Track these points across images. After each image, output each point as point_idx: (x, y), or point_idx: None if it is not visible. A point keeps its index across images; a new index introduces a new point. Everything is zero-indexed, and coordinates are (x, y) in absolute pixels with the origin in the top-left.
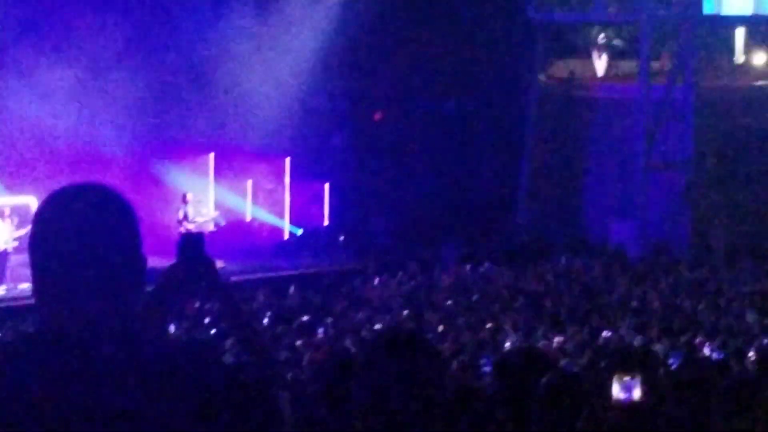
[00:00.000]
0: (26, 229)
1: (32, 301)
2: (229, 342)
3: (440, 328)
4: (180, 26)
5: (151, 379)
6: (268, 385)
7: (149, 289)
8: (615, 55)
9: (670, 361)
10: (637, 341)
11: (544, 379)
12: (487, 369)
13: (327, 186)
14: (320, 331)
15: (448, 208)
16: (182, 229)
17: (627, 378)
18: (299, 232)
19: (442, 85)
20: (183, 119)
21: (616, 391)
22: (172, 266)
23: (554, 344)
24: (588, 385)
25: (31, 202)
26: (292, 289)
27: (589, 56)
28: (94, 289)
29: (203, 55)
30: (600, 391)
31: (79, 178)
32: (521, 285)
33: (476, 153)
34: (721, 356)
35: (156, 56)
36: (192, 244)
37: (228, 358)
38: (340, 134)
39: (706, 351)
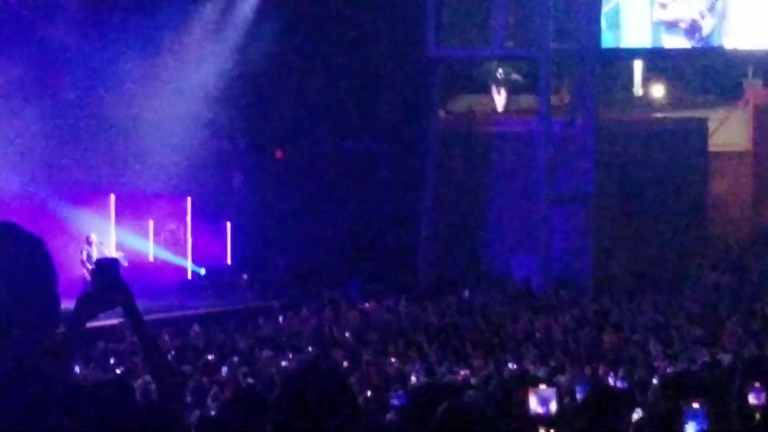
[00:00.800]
0: None
1: None
2: (139, 381)
3: (345, 364)
4: (77, 65)
5: (56, 421)
6: (177, 424)
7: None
8: (514, 89)
9: (576, 390)
10: (542, 372)
11: (439, 409)
12: (395, 403)
13: (229, 225)
14: (224, 369)
15: (351, 245)
16: (85, 271)
17: (543, 388)
18: (202, 271)
19: (343, 123)
20: (82, 160)
21: (534, 405)
22: (87, 293)
23: (460, 378)
24: (487, 412)
25: None
26: (196, 327)
27: (489, 91)
28: (4, 327)
29: (101, 94)
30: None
31: None
32: (425, 320)
33: (378, 189)
34: (626, 386)
35: (53, 95)
36: (106, 269)
37: (138, 399)
38: (240, 173)
39: (611, 381)
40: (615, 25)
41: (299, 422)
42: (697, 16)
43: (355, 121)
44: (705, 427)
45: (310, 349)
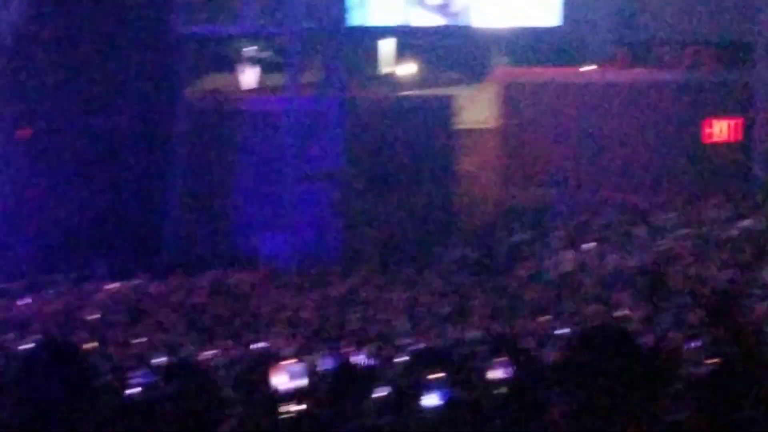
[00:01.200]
0: None
1: None
2: None
3: (89, 345)
4: None
5: None
6: None
7: None
8: (264, 67)
9: (323, 368)
10: (290, 351)
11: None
12: (141, 381)
13: None
14: None
15: (98, 224)
16: None
17: (291, 365)
18: None
19: (91, 100)
20: None
21: (282, 382)
22: None
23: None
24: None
25: None
26: None
27: (238, 69)
28: None
29: None
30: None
31: None
32: (173, 299)
33: (126, 168)
34: (373, 363)
35: None
36: None
37: None
38: None
39: (358, 358)
40: (363, 2)
41: (33, 404)
42: None
43: (102, 99)
44: (447, 398)
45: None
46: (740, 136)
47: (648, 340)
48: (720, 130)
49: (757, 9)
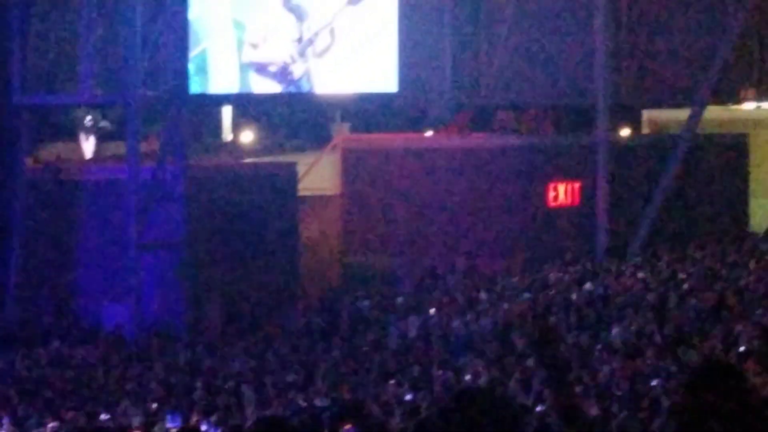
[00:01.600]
0: None
1: None
2: None
3: None
4: None
5: None
6: None
7: None
8: (103, 136)
9: None
10: (137, 420)
11: None
12: None
13: None
14: None
15: None
16: None
17: None
18: None
19: None
20: None
21: None
22: None
23: (48, 431)
24: None
25: None
26: None
27: (77, 138)
28: None
29: None
30: None
31: None
32: (15, 373)
33: None
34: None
35: None
36: None
37: None
38: None
39: (203, 427)
40: (203, 70)
41: None
42: (288, 60)
43: None
44: None
45: None
46: (580, 200)
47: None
48: (562, 193)
49: (596, 74)
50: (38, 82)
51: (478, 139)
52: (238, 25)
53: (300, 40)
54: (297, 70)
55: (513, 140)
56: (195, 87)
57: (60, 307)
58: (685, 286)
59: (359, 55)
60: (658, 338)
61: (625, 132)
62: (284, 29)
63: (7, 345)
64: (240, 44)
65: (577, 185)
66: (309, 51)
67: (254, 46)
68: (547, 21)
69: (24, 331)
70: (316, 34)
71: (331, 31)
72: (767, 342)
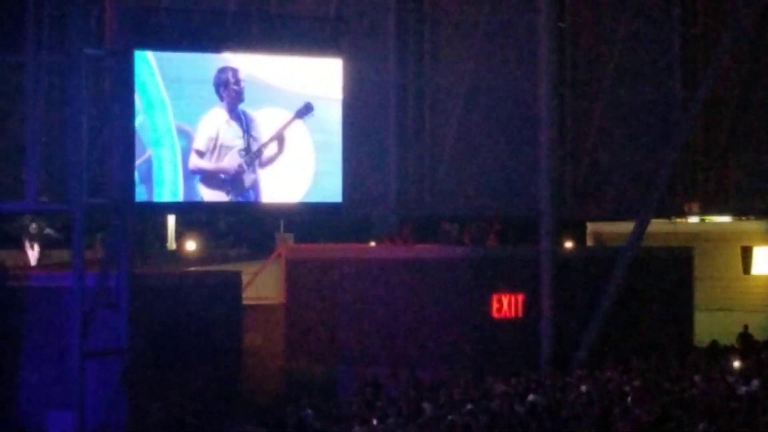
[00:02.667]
0: None
1: None
2: None
3: None
4: None
5: None
6: None
7: None
8: (48, 244)
9: None
10: None
11: None
12: None
13: None
14: None
15: None
16: None
17: None
18: None
19: None
20: None
21: None
22: None
23: None
24: None
25: None
26: None
27: (22, 246)
28: None
29: None
30: None
31: None
32: None
33: None
34: None
35: None
36: None
37: None
38: None
39: None
40: (147, 178)
41: None
42: (235, 170)
43: None
44: None
45: None
46: (524, 311)
47: None
48: (506, 304)
49: (540, 185)
50: None
51: (422, 250)
52: (183, 134)
53: (247, 150)
54: (244, 180)
55: (457, 251)
56: (139, 195)
57: (3, 413)
58: (629, 398)
59: (304, 164)
60: None
61: (569, 244)
62: (231, 139)
63: None
64: (184, 152)
65: (521, 297)
66: (255, 159)
67: (200, 154)
68: (492, 132)
69: None
70: (265, 145)
71: (279, 142)
72: None
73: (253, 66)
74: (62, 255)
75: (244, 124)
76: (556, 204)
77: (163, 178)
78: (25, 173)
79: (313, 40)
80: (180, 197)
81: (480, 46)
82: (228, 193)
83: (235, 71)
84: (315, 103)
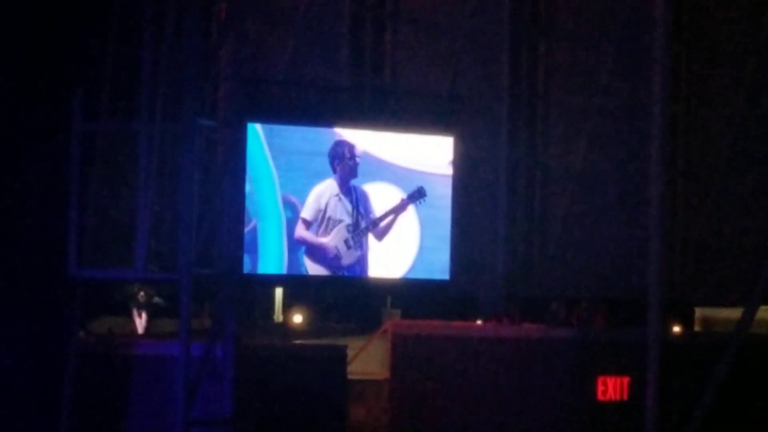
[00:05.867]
0: None
1: None
2: None
3: None
4: None
5: None
6: None
7: None
8: (155, 313)
9: None
10: None
11: None
12: None
13: None
14: None
15: None
16: None
17: None
18: None
19: None
20: None
21: None
22: None
23: None
24: None
25: None
26: None
27: (130, 313)
28: None
29: None
30: None
31: None
32: None
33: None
34: None
35: None
36: None
37: None
38: None
39: None
40: (253, 248)
41: None
42: (341, 245)
43: None
44: None
45: None
46: (629, 395)
47: None
48: (611, 387)
49: (649, 268)
50: (93, 255)
51: (528, 330)
52: (289, 205)
53: (355, 226)
54: (350, 256)
55: (564, 332)
56: (245, 266)
57: None
58: None
59: (410, 239)
60: None
61: (676, 328)
62: (340, 213)
63: None
64: (290, 223)
65: (626, 380)
66: (362, 235)
67: (307, 224)
68: (602, 212)
69: None
70: (374, 223)
71: (388, 222)
72: None
73: (366, 141)
74: (170, 323)
75: (354, 199)
76: (665, 287)
77: (268, 249)
78: (135, 242)
79: (425, 116)
80: (284, 269)
81: (591, 127)
82: (334, 268)
83: (351, 146)
84: (423, 179)
